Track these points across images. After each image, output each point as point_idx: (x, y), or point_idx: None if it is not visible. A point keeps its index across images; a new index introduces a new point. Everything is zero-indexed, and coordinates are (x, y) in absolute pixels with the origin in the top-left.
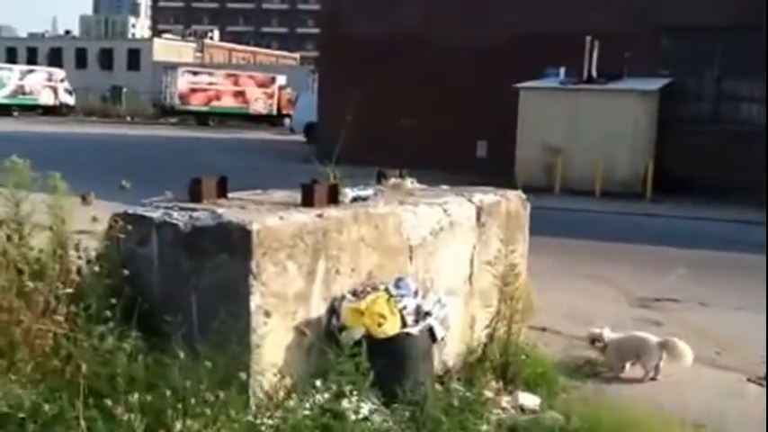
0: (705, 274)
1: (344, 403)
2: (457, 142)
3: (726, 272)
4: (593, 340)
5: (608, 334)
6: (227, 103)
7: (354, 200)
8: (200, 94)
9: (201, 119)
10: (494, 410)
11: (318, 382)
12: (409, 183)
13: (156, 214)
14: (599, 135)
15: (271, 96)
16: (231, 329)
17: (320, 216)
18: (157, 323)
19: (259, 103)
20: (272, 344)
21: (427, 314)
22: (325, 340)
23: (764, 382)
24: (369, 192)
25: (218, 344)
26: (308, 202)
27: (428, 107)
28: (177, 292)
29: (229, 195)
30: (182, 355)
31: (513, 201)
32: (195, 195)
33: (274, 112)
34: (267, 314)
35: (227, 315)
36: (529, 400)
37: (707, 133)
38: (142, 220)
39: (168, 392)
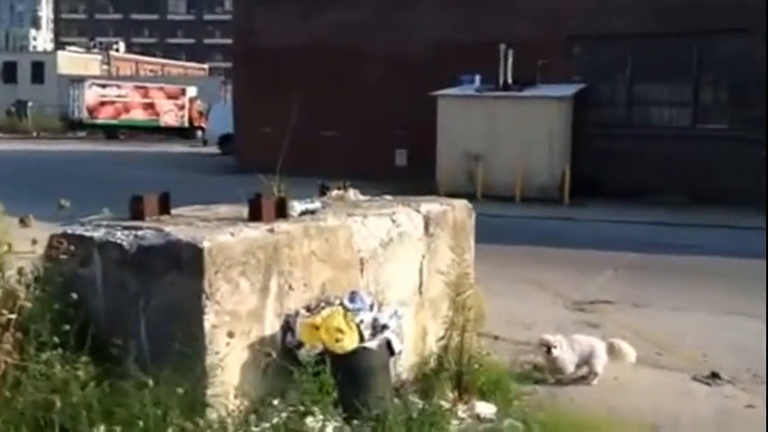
0: (633, 275)
1: (309, 422)
2: (376, 151)
3: (652, 273)
4: (548, 347)
5: (560, 339)
6: (137, 115)
7: (303, 213)
8: (108, 107)
9: (111, 132)
10: (452, 421)
11: (277, 402)
12: (352, 194)
13: (98, 234)
14: (517, 141)
15: (182, 108)
16: (186, 352)
17: (271, 231)
18: (106, 347)
19: (170, 116)
20: (228, 364)
21: (384, 327)
22: (280, 358)
23: (709, 381)
24: (317, 205)
25: (174, 367)
26: (256, 216)
27: (347, 117)
28: (125, 314)
29: (172, 212)
30: (148, 381)
31: (459, 210)
32: (137, 213)
33: (186, 124)
34: (231, 335)
35: (180, 337)
36: (485, 408)
37: (620, 137)
38: (83, 240)
39: (140, 422)
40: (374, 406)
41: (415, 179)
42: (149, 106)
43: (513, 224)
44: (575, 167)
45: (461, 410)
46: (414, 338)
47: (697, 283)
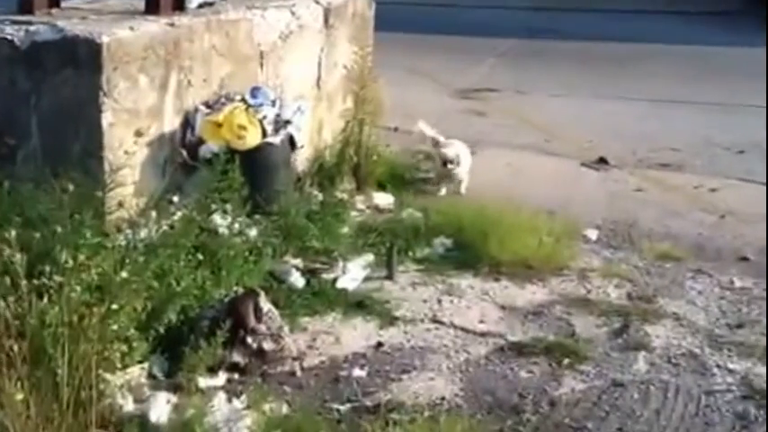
0: (514, 62)
1: (216, 219)
2: None
3: (531, 59)
4: (446, 162)
5: (457, 152)
6: None
7: (201, 6)
8: None
9: None
10: (351, 212)
11: (176, 198)
12: None
13: None
14: None
15: None
16: (82, 149)
17: (171, 25)
18: None
19: None
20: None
21: (287, 122)
22: (180, 155)
23: (598, 167)
24: None
25: (69, 168)
26: (152, 9)
27: None
28: (15, 112)
29: (62, 5)
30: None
31: (359, 1)
32: (26, 5)
33: None
34: (138, 134)
35: (75, 136)
36: (383, 199)
37: None
38: None
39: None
40: (277, 200)
41: None
42: None
43: (391, 10)
44: None
45: (360, 201)
46: (310, 132)
47: (574, 69)
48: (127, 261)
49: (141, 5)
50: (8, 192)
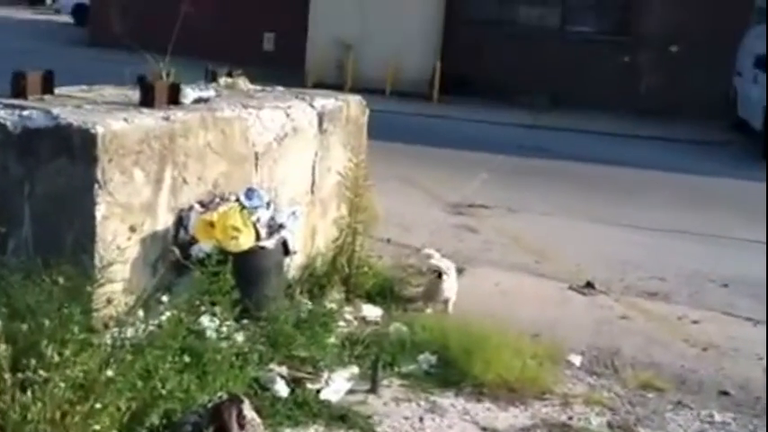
0: (505, 179)
1: (205, 321)
2: (242, 34)
3: (522, 177)
4: (439, 273)
5: (448, 265)
6: None
7: (196, 101)
8: None
9: None
10: (339, 323)
11: (166, 298)
12: (242, 82)
13: None
14: (390, 32)
15: None
16: (74, 241)
17: (167, 119)
18: None
19: None
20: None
21: (281, 226)
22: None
23: (585, 291)
24: (210, 92)
25: (60, 260)
26: (147, 102)
27: None
28: (7, 199)
29: (55, 91)
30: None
31: (353, 106)
32: (19, 90)
33: None
34: (132, 229)
35: (68, 228)
36: (371, 311)
37: (490, 35)
38: None
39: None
40: (266, 306)
41: (284, 66)
42: None
43: (383, 120)
44: (445, 64)
45: (348, 312)
46: (303, 238)
47: (565, 190)
48: (113, 360)
49: (136, 97)
50: None
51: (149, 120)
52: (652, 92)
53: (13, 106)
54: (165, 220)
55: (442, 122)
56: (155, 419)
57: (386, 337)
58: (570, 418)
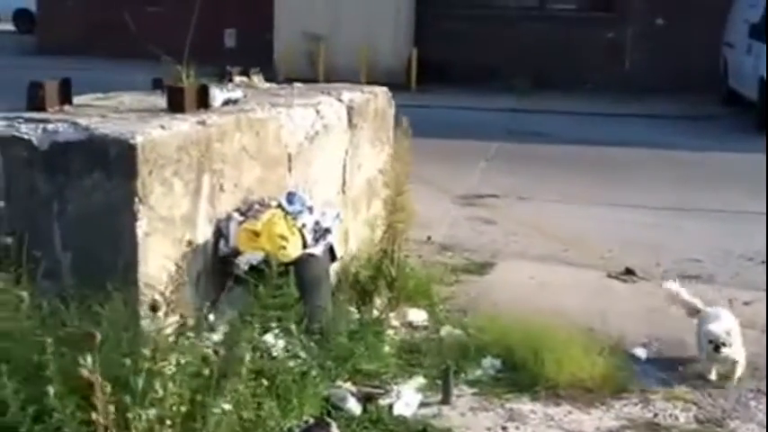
0: (505, 166)
1: (270, 338)
2: (202, 31)
3: (521, 163)
4: (717, 346)
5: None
6: None
7: (225, 103)
8: None
9: None
10: (387, 331)
11: (212, 316)
12: (257, 81)
13: None
14: (361, 20)
15: None
16: (113, 262)
17: (202, 123)
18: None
19: None
20: (159, 277)
21: (327, 231)
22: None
23: (626, 279)
24: (238, 93)
25: (98, 283)
26: (176, 107)
27: None
28: (35, 220)
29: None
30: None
31: (380, 98)
32: (36, 102)
33: None
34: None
35: (105, 247)
36: (416, 315)
37: (464, 18)
38: None
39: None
40: (319, 317)
41: (247, 62)
42: None
43: None
44: (421, 51)
45: (393, 318)
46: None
47: (566, 175)
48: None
49: (159, 102)
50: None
51: (185, 125)
52: (638, 68)
53: (36, 120)
54: (204, 232)
55: (424, 112)
56: None
57: (440, 342)
58: (655, 416)
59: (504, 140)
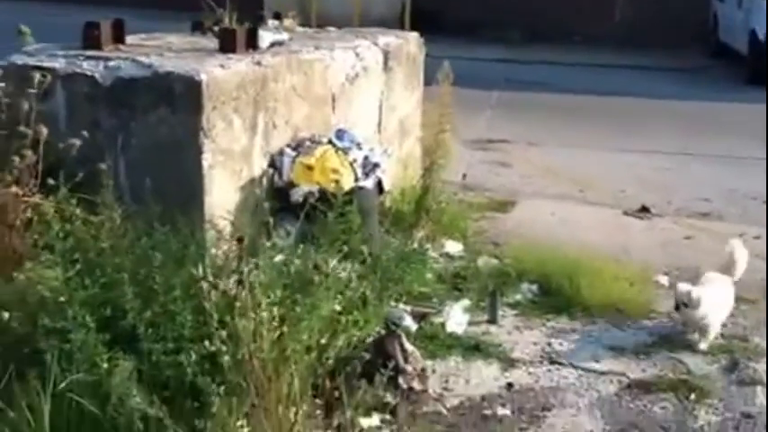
0: (509, 113)
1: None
2: None
3: (527, 111)
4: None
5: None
6: None
7: (272, 45)
8: None
9: None
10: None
11: (269, 243)
12: (291, 25)
13: (59, 64)
14: None
15: None
16: (179, 193)
17: (258, 64)
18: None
19: None
20: (221, 206)
21: (376, 165)
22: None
23: (641, 216)
24: (284, 36)
25: (164, 212)
26: (228, 47)
27: None
28: (96, 153)
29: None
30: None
31: (412, 43)
32: (92, 41)
33: None
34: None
35: (170, 177)
36: (452, 246)
37: None
38: (41, 72)
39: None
40: (369, 245)
41: (238, 7)
42: None
43: None
44: (413, 0)
45: (432, 249)
46: None
47: (568, 120)
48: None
49: (204, 43)
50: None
51: (242, 65)
52: (627, 21)
53: (97, 57)
54: (260, 165)
55: (425, 60)
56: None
57: (479, 269)
58: (684, 333)
59: (503, 89)
